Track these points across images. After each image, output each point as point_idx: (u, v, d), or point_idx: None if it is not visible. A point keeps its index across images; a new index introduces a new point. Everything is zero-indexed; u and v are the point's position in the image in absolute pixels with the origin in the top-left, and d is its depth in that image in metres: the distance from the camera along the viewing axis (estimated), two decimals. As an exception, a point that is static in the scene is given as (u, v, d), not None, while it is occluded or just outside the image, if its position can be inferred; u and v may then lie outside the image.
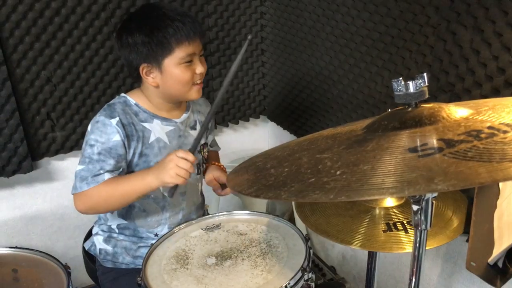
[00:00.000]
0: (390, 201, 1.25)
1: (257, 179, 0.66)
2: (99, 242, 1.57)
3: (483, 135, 0.56)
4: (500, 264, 0.89)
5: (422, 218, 0.68)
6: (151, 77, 1.42)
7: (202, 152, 1.63)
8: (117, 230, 1.55)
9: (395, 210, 1.23)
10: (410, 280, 0.75)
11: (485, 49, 1.40)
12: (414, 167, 0.52)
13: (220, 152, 1.87)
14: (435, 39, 1.55)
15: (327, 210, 1.23)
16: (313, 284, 1.25)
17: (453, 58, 1.51)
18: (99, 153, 1.38)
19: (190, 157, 1.32)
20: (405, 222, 1.16)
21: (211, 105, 1.71)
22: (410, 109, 0.69)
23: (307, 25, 2.12)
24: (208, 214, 1.78)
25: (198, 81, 1.45)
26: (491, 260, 0.88)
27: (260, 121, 2.69)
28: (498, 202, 0.85)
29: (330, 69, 2.05)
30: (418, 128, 0.63)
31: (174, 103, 1.51)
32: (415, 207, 0.68)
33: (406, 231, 1.14)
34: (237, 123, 2.57)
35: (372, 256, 1.37)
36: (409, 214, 1.22)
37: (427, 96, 0.69)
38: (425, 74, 0.68)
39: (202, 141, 1.63)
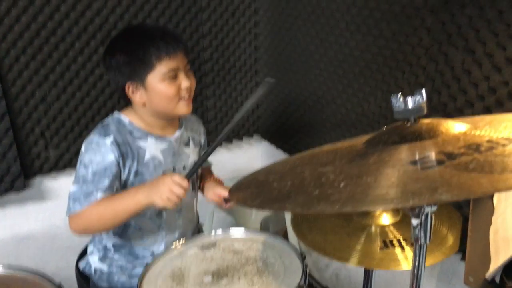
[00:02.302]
0: (386, 219, 1.26)
1: (260, 192, 0.67)
2: (94, 261, 1.56)
3: (483, 148, 0.58)
4: (497, 280, 0.90)
5: (422, 232, 0.69)
6: (137, 95, 1.43)
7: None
8: (112, 249, 1.54)
9: (391, 228, 1.24)
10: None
11: (476, 69, 1.44)
12: (417, 179, 0.54)
13: (214, 172, 1.87)
14: (427, 59, 1.59)
15: (324, 228, 1.24)
16: (310, 303, 1.24)
17: (445, 78, 1.54)
18: (93, 174, 1.38)
19: (185, 183, 1.31)
20: (401, 239, 1.17)
21: (202, 124, 1.72)
22: (409, 124, 0.71)
23: (300, 46, 2.15)
24: (203, 232, 1.77)
25: (186, 96, 1.44)
26: (488, 275, 0.89)
27: (253, 140, 2.70)
28: (493, 218, 0.86)
29: (324, 89, 2.08)
30: (418, 142, 0.65)
31: (166, 120, 1.51)
32: (414, 222, 0.69)
33: (402, 248, 1.14)
34: (231, 142, 2.58)
35: (368, 274, 1.38)
36: (405, 231, 1.23)
37: (425, 111, 0.71)
38: (423, 90, 0.70)
39: (196, 158, 1.62)
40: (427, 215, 0.67)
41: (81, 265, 1.60)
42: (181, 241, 1.49)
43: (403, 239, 1.17)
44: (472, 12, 1.40)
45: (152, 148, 1.48)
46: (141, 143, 1.46)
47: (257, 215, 2.34)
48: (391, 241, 1.16)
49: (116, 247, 1.53)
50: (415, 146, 0.64)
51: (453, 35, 1.48)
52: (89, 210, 1.36)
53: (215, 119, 2.46)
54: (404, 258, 1.14)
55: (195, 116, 1.70)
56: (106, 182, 1.38)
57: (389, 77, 1.75)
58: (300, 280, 1.24)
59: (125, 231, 1.50)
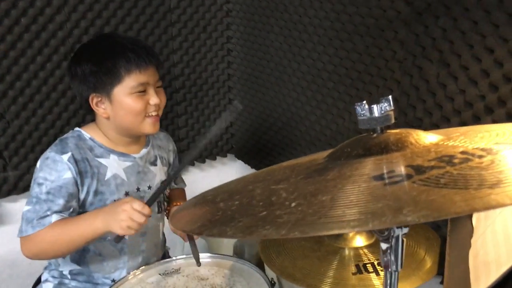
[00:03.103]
0: (360, 241, 1.17)
1: (203, 214, 0.58)
2: (49, 290, 1.44)
3: (456, 160, 0.50)
4: (478, 309, 0.82)
5: (392, 258, 0.60)
6: (101, 108, 1.35)
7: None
8: (69, 276, 1.42)
9: (365, 251, 1.16)
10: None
11: (451, 83, 1.38)
12: (380, 196, 0.45)
13: (186, 192, 1.77)
14: (401, 73, 1.53)
15: (293, 252, 1.15)
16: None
17: (420, 92, 1.48)
18: (47, 193, 1.28)
19: (146, 211, 1.22)
20: (375, 263, 1.09)
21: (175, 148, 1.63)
22: (375, 135, 0.63)
23: (273, 61, 2.09)
24: (169, 256, 1.66)
25: (153, 113, 1.37)
26: (469, 304, 0.81)
27: (227, 160, 2.61)
28: (473, 240, 0.78)
29: (298, 105, 2.01)
30: (384, 155, 0.57)
31: (131, 137, 1.43)
32: (384, 246, 0.61)
33: (377, 273, 1.06)
34: (203, 162, 2.49)
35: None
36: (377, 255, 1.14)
37: (393, 120, 0.63)
38: (390, 97, 0.62)
39: (163, 178, 1.53)
40: (397, 238, 0.59)
41: (34, 294, 1.48)
42: (141, 268, 1.38)
43: (377, 264, 1.08)
44: (446, 24, 1.35)
45: (114, 166, 1.39)
46: (102, 161, 1.37)
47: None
48: (365, 265, 1.08)
49: (73, 274, 1.42)
50: (381, 160, 0.56)
51: (427, 48, 1.43)
52: (42, 234, 1.26)
53: (187, 137, 2.37)
54: (380, 284, 1.05)
55: (164, 133, 1.61)
56: (61, 202, 1.28)
57: (363, 92, 1.69)
58: (268, 309, 1.15)
59: (83, 257, 1.39)
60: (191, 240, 1.39)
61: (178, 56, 2.22)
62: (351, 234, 1.17)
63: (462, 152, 0.53)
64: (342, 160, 0.60)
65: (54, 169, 1.29)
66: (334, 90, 1.81)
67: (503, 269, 0.75)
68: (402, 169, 0.51)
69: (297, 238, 1.19)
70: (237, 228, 0.49)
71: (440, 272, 1.13)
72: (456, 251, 0.84)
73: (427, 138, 0.61)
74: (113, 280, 1.42)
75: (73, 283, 1.42)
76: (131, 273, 1.35)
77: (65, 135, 1.39)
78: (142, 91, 1.33)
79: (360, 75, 1.68)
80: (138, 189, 1.44)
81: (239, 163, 2.58)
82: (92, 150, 1.37)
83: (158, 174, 1.51)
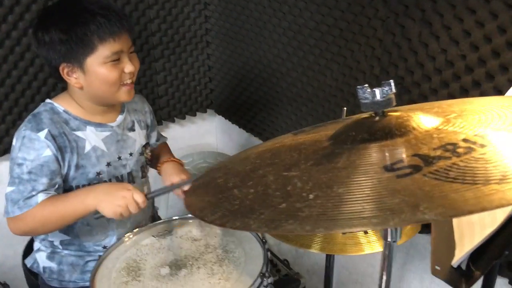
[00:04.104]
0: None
1: (219, 202, 0.60)
2: (42, 259, 1.45)
3: (460, 150, 0.53)
4: (463, 267, 0.89)
5: (392, 229, 0.65)
6: (73, 78, 1.30)
7: (145, 154, 1.53)
8: (60, 246, 1.43)
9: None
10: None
11: (433, 42, 1.40)
12: (394, 191, 0.49)
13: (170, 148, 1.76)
14: (383, 32, 1.54)
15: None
16: (272, 290, 1.21)
17: (402, 51, 1.50)
18: (29, 172, 1.26)
19: (143, 205, 1.25)
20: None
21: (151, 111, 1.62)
22: (377, 118, 0.66)
23: (253, 16, 2.06)
24: (159, 217, 1.70)
25: (128, 81, 1.34)
26: (454, 262, 0.88)
27: (207, 115, 2.62)
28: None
29: (279, 62, 2.01)
30: (389, 140, 0.60)
31: (106, 106, 1.40)
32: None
33: (365, 232, 1.12)
34: (183, 118, 2.49)
35: (329, 258, 1.36)
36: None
37: (394, 104, 0.66)
38: (391, 81, 0.65)
39: (143, 142, 1.53)
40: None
41: (28, 262, 1.49)
42: (134, 231, 1.42)
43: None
44: (430, -17, 1.36)
45: (92, 138, 1.36)
46: (80, 134, 1.34)
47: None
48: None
49: (65, 244, 1.43)
50: (387, 146, 0.59)
51: (410, 7, 1.43)
52: (32, 214, 1.25)
53: (166, 94, 2.35)
54: (367, 242, 1.12)
55: (138, 95, 1.57)
56: (44, 181, 1.27)
57: (345, 49, 1.70)
58: (262, 267, 1.21)
59: (72, 228, 1.39)
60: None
61: (154, 12, 2.17)
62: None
63: (465, 140, 0.56)
64: (348, 145, 0.62)
65: (32, 148, 1.26)
66: (316, 47, 1.81)
67: (487, 231, 0.81)
68: (410, 159, 0.54)
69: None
70: (260, 222, 0.52)
71: (424, 231, 1.20)
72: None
73: (428, 121, 0.64)
74: (105, 247, 1.43)
75: (66, 252, 1.43)
76: (125, 236, 1.38)
77: (37, 110, 1.34)
78: (116, 60, 1.29)
79: (342, 32, 1.69)
80: (119, 158, 1.43)
81: (219, 118, 2.60)
82: (67, 124, 1.33)
83: (138, 139, 1.49)
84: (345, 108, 1.13)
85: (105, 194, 1.24)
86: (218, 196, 0.63)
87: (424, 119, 0.64)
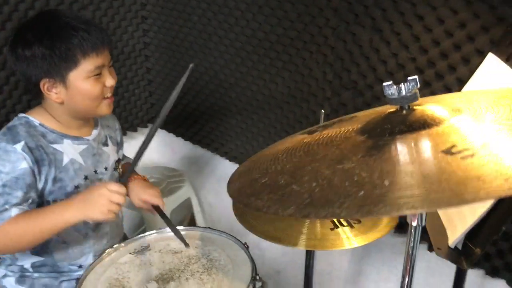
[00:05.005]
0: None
1: (283, 198, 0.62)
2: (10, 284, 1.35)
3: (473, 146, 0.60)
4: (459, 247, 0.97)
5: (423, 213, 0.71)
6: (53, 93, 1.27)
7: (118, 169, 1.50)
8: (31, 269, 1.35)
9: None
10: (403, 278, 0.78)
11: (384, 47, 1.52)
12: (457, 169, 0.54)
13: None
14: (335, 39, 1.64)
15: (269, 216, 1.22)
16: (263, 292, 1.23)
17: (354, 57, 1.61)
18: (3, 185, 1.20)
19: (123, 189, 1.21)
20: (342, 220, 1.21)
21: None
22: (404, 111, 0.72)
23: (197, 29, 2.07)
24: (127, 236, 1.65)
25: (109, 95, 1.33)
26: (451, 244, 0.96)
27: (147, 131, 2.57)
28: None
29: (226, 73, 2.04)
30: (427, 129, 0.66)
31: (83, 120, 1.37)
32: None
33: (351, 226, 1.18)
34: (125, 134, 2.42)
35: (310, 253, 1.41)
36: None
37: (418, 98, 0.72)
38: (416, 77, 0.71)
39: (116, 158, 1.50)
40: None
41: (-7, 290, 1.39)
42: (107, 250, 1.36)
43: (341, 221, 1.21)
44: (378, -8, 1.47)
45: (69, 151, 1.33)
46: (57, 146, 1.31)
47: (166, 206, 2.25)
48: (339, 221, 1.20)
49: (36, 267, 1.35)
50: (430, 134, 0.64)
51: (360, 15, 1.54)
52: (4, 230, 1.18)
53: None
54: (353, 236, 1.18)
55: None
56: (19, 194, 1.21)
57: (296, 57, 1.78)
58: (252, 271, 1.22)
59: (46, 247, 1.32)
60: (161, 214, 1.40)
61: (92, 26, 2.10)
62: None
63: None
64: (388, 136, 0.67)
65: (7, 160, 1.21)
66: (266, 57, 1.87)
67: (479, 211, 0.90)
68: (461, 144, 0.60)
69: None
70: (348, 209, 0.54)
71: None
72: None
73: (452, 119, 0.71)
74: (80, 266, 1.38)
75: (37, 274, 1.36)
76: (100, 256, 1.33)
77: (12, 123, 1.29)
78: (98, 74, 1.28)
79: (293, 42, 1.76)
80: (95, 172, 1.40)
81: (162, 133, 2.56)
82: (44, 137, 1.29)
83: (111, 154, 1.48)
84: (323, 111, 1.19)
85: (84, 202, 1.20)
86: (277, 193, 0.65)
87: (443, 110, 0.71)
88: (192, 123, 2.32)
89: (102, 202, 1.17)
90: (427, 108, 0.72)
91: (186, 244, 1.29)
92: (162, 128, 2.52)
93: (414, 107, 0.72)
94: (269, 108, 1.94)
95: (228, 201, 1.27)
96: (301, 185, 0.63)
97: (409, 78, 0.70)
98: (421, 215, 0.71)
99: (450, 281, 1.20)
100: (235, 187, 0.78)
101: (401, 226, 1.65)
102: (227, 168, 2.30)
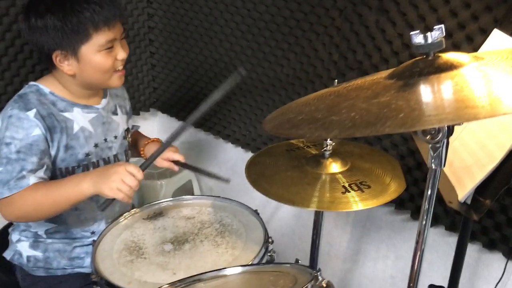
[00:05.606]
0: (335, 168, 1.33)
1: (324, 125, 0.67)
2: (24, 249, 1.38)
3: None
4: (468, 201, 1.03)
5: (442, 156, 0.76)
6: (65, 65, 1.30)
7: (127, 138, 1.54)
8: (45, 236, 1.37)
9: (341, 176, 1.32)
10: (422, 215, 0.83)
11: (390, 28, 1.57)
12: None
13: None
14: (341, 21, 1.69)
15: (284, 181, 1.27)
16: (274, 255, 1.27)
17: (360, 37, 1.66)
18: (18, 152, 1.22)
19: (140, 175, 1.22)
20: (358, 183, 1.25)
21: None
22: (430, 57, 0.77)
23: (203, 12, 2.11)
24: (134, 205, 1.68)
25: (120, 67, 1.36)
26: (461, 199, 1.01)
27: (149, 115, 2.60)
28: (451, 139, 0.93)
29: (231, 56, 2.08)
30: (454, 70, 0.71)
31: (94, 90, 1.41)
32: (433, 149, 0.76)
33: (362, 191, 1.23)
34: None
35: (318, 213, 1.47)
36: (355, 178, 1.30)
37: (444, 46, 0.78)
38: (442, 26, 0.76)
39: (125, 127, 1.53)
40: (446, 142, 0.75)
41: (8, 254, 1.41)
42: (123, 215, 1.40)
43: (360, 183, 1.25)
44: (386, -26, 1.52)
45: (79, 119, 1.36)
46: (67, 114, 1.34)
47: (167, 188, 2.29)
48: (350, 185, 1.25)
49: (49, 233, 1.39)
50: (455, 75, 0.70)
51: (367, -4, 1.59)
52: (23, 197, 1.21)
53: (110, 92, 2.31)
54: (360, 201, 1.23)
55: None
56: (34, 160, 1.24)
57: (302, 39, 1.82)
58: (265, 235, 1.27)
59: (60, 214, 1.35)
60: (185, 166, 1.43)
61: (99, 7, 2.13)
62: (328, 162, 1.33)
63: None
64: (417, 77, 0.72)
65: (21, 127, 1.23)
66: (272, 39, 1.91)
67: (488, 168, 0.96)
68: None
69: (283, 170, 1.31)
70: (392, 126, 0.59)
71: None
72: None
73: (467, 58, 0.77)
74: (93, 232, 1.42)
75: (51, 240, 1.38)
76: (113, 223, 1.36)
77: (23, 91, 1.32)
78: (110, 47, 1.30)
79: (299, 23, 1.81)
80: (105, 140, 1.44)
81: (163, 117, 2.60)
82: (55, 105, 1.32)
83: (121, 123, 1.51)
84: (336, 80, 1.24)
85: (99, 176, 1.23)
86: (317, 124, 0.69)
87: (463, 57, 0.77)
88: (194, 106, 2.35)
89: (114, 178, 1.20)
90: (451, 54, 0.78)
91: (227, 180, 1.30)
92: (164, 112, 2.55)
93: (439, 55, 0.77)
94: (274, 90, 1.99)
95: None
96: (340, 116, 0.67)
97: (435, 27, 0.75)
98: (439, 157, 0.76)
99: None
100: (271, 125, 0.82)
101: (402, 203, 1.71)
102: (228, 151, 2.34)
